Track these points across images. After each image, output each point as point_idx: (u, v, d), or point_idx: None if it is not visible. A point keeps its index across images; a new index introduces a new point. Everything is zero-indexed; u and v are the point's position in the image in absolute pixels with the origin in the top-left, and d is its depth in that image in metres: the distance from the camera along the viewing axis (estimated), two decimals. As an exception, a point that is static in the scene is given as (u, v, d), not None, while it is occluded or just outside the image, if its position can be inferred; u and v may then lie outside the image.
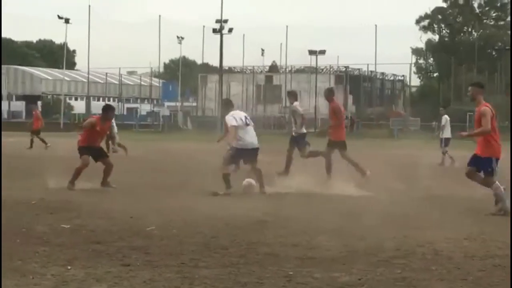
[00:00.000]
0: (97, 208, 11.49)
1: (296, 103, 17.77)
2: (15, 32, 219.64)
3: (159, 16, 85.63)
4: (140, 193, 13.52)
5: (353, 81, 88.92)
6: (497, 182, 11.64)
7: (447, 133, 24.21)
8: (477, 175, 11.85)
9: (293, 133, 17.62)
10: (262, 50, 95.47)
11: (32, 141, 30.71)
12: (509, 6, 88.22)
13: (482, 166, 11.75)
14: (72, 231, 9.19)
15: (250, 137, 14.18)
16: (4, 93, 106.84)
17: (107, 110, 15.51)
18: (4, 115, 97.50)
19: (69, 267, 6.95)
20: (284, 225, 10.04)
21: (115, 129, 27.13)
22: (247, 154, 14.13)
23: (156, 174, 17.96)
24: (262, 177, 14.08)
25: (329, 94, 17.21)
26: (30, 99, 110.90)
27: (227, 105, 15.33)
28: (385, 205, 12.01)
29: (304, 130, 17.58)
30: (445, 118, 24.54)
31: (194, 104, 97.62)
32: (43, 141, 30.60)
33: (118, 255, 7.63)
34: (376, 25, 79.87)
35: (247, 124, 14.17)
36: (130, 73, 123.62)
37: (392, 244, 8.43)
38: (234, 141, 13.93)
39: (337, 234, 9.24)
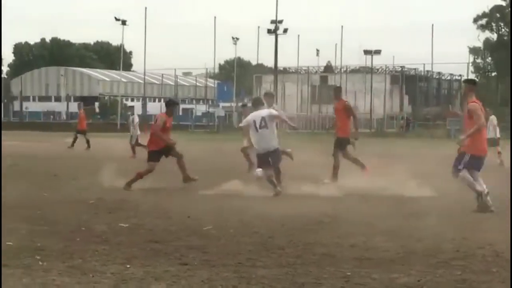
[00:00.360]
0: (155, 207, 11.60)
1: (274, 105, 16.48)
2: (73, 35, 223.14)
3: (214, 17, 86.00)
4: (197, 193, 13.56)
5: (409, 81, 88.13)
6: (462, 172, 11.70)
7: (492, 133, 23.82)
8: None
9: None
10: (317, 50, 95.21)
11: (75, 141, 30.91)
12: None
13: (457, 159, 11.91)
14: (130, 230, 9.29)
15: (264, 142, 13.92)
16: (62, 94, 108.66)
17: (171, 105, 15.47)
18: (63, 115, 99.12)
19: (128, 266, 7.02)
20: (340, 225, 9.99)
21: (136, 129, 27.28)
22: (264, 157, 13.91)
23: (211, 174, 17.99)
24: (279, 176, 14.01)
25: (336, 93, 17.34)
26: (87, 100, 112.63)
27: (256, 104, 14.80)
28: (443, 206, 11.87)
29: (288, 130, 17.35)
30: (492, 118, 24.20)
31: (249, 104, 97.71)
32: (87, 142, 30.78)
33: (176, 254, 7.68)
34: (432, 24, 78.86)
35: (260, 128, 13.89)
36: (186, 74, 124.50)
37: (451, 246, 8.32)
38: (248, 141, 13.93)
39: (394, 235, 9.16)
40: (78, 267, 6.88)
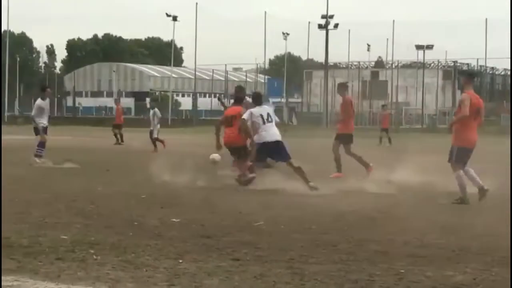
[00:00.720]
0: (206, 203, 11.63)
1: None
2: (124, 30, 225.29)
3: (265, 12, 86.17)
4: (248, 188, 13.56)
5: (462, 76, 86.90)
6: (461, 171, 11.94)
7: None
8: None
9: None
10: (368, 45, 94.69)
11: (116, 136, 31.08)
12: None
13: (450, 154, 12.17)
14: (182, 225, 9.32)
15: (270, 135, 13.92)
16: (114, 89, 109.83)
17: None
18: (114, 111, 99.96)
19: (180, 261, 7.04)
20: (393, 222, 9.90)
21: (157, 123, 27.29)
22: (268, 148, 13.90)
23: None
24: (303, 173, 13.78)
25: (340, 89, 17.90)
26: (139, 96, 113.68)
27: (256, 99, 14.74)
28: (498, 203, 11.69)
29: None
30: None
31: (299, 100, 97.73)
32: (121, 136, 30.92)
33: (228, 249, 7.68)
34: (486, 19, 77.70)
35: (267, 121, 13.95)
36: (236, 69, 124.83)
37: (507, 243, 8.15)
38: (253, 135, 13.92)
39: (449, 232, 9.04)
40: (131, 262, 6.92)
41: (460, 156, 12.08)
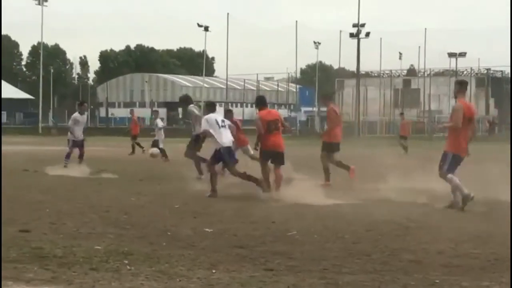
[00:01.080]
0: (239, 212, 11.63)
1: (191, 106, 18.29)
2: (156, 41, 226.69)
3: (296, 21, 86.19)
4: (280, 198, 13.53)
5: (495, 84, 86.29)
6: (450, 175, 12.26)
7: None
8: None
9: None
10: (400, 53, 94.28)
11: (134, 146, 31.15)
12: None
13: (441, 160, 12.44)
14: (215, 235, 9.33)
15: (226, 138, 14.43)
16: (147, 100, 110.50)
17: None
18: (147, 121, 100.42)
19: (214, 271, 7.04)
20: (427, 231, 9.82)
21: (162, 134, 27.24)
22: (224, 152, 14.30)
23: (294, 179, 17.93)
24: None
25: (324, 100, 18.35)
26: (171, 106, 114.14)
27: (209, 107, 15.48)
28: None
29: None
30: None
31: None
32: (138, 145, 30.98)
33: (261, 259, 7.67)
34: (519, 26, 76.86)
35: (221, 126, 14.50)
36: (267, 79, 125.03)
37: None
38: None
39: (484, 241, 8.95)
40: (165, 272, 6.94)
41: (453, 164, 12.38)
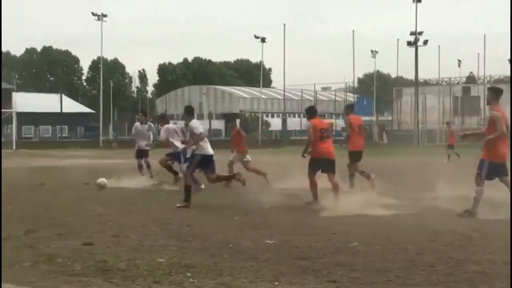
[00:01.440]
0: (299, 224, 11.58)
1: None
2: (214, 53, 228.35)
3: (353, 31, 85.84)
4: (340, 209, 13.44)
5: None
6: (481, 187, 12.35)
7: None
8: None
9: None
10: (459, 61, 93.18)
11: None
12: None
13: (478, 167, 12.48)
14: (276, 247, 9.30)
15: (209, 147, 14.81)
16: (205, 112, 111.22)
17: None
18: (207, 133, 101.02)
19: (276, 283, 7.02)
20: (491, 241, 9.65)
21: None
22: (205, 160, 14.65)
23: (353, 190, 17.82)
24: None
25: (346, 111, 18.39)
26: (229, 117, 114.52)
27: (188, 112, 15.86)
28: None
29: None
30: None
31: (389, 118, 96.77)
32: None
33: (323, 271, 7.62)
34: None
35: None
36: (325, 88, 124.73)
37: None
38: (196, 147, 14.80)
39: (551, 252, 8.73)
40: (227, 284, 6.95)
41: (490, 170, 12.36)
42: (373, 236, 10.07)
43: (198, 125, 15.06)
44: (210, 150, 14.81)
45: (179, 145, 18.70)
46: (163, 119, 20.87)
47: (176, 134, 19.58)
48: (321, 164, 14.81)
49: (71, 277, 7.18)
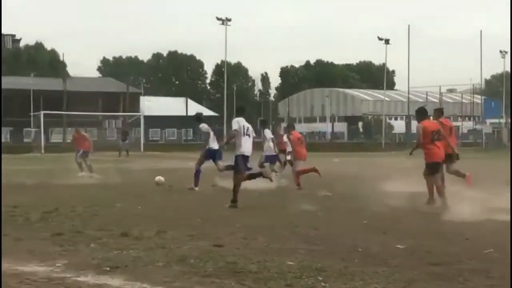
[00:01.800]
0: (429, 228, 11.33)
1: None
2: (336, 56, 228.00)
3: (480, 31, 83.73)
4: (466, 213, 13.01)
5: None
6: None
7: None
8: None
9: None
10: None
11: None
12: None
13: None
14: (407, 252, 9.10)
15: (248, 146, 14.98)
16: (327, 114, 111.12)
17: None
18: (328, 136, 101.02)
19: (409, 289, 6.86)
20: None
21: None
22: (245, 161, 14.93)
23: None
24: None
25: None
26: (351, 120, 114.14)
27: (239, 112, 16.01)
28: None
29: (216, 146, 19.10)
30: None
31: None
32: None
33: (458, 278, 7.39)
34: None
35: (246, 134, 14.93)
36: (450, 90, 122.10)
37: None
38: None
39: None
40: (364, 289, 6.84)
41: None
42: (508, 243, 9.69)
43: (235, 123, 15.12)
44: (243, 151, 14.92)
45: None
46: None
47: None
48: (438, 166, 14.76)
49: (204, 278, 7.25)
